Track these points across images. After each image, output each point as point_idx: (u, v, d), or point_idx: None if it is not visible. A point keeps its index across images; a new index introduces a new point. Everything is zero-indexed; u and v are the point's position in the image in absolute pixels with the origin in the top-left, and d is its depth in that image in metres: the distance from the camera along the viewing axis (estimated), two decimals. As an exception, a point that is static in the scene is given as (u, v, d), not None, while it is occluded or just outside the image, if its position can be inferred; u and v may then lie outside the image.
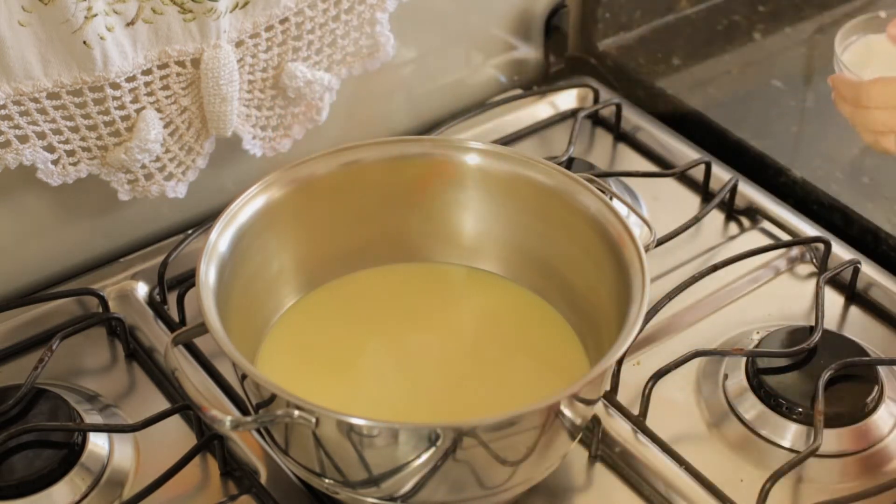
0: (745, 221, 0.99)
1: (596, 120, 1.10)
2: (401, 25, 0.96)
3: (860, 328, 0.90)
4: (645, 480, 0.79)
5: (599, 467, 0.80)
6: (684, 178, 1.02)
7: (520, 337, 0.83)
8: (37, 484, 0.76)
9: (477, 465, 0.68)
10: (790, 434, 0.80)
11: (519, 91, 1.13)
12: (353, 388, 0.79)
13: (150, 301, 0.91)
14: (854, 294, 0.92)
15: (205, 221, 0.93)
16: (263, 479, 0.77)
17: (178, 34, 0.81)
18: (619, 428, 0.81)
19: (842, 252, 0.94)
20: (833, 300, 0.92)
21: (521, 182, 0.82)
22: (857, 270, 0.92)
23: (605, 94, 1.11)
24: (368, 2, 0.91)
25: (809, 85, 1.13)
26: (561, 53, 1.16)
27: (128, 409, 0.83)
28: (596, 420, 0.80)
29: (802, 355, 0.84)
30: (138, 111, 0.83)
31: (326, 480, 0.71)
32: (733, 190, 0.99)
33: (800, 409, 0.80)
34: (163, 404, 0.83)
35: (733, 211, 1.00)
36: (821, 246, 0.93)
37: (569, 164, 0.99)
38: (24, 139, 0.81)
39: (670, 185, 1.02)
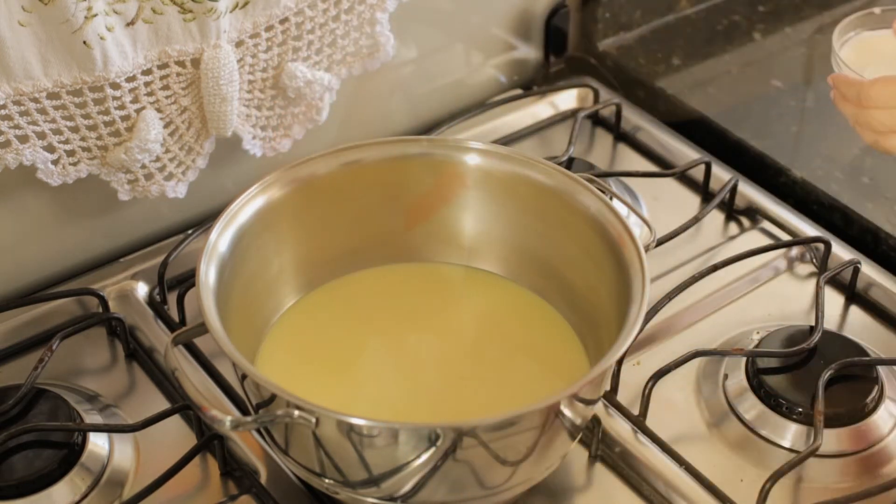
0: (745, 221, 0.99)
1: (596, 120, 1.10)
2: (401, 25, 0.96)
3: (860, 328, 0.90)
4: (645, 480, 0.79)
5: (599, 467, 0.80)
6: (684, 178, 1.02)
7: (520, 337, 0.83)
8: (37, 484, 0.76)
9: (477, 465, 0.68)
10: (790, 434, 0.80)
11: (519, 91, 1.13)
12: (353, 388, 0.79)
13: (150, 301, 0.91)
14: (854, 294, 0.92)
15: (205, 221, 0.93)
16: (263, 479, 0.77)
17: (178, 34, 0.81)
18: (619, 428, 0.81)
19: (842, 252, 0.94)
20: (833, 300, 0.92)
21: (521, 182, 0.82)
22: (857, 270, 0.92)
23: (605, 94, 1.11)
24: (368, 2, 0.91)
25: (809, 85, 1.13)
26: (561, 53, 1.16)
27: (128, 409, 0.83)
28: (596, 420, 0.80)
29: (802, 355, 0.84)
30: (138, 111, 0.83)
31: (326, 480, 0.71)
32: (733, 190, 0.99)
33: (800, 409, 0.80)
34: (163, 404, 0.83)
35: (733, 211, 1.00)
36: (821, 246, 0.93)
37: (569, 164, 0.99)
38: (24, 139, 0.81)
39: (670, 185, 1.02)
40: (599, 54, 1.16)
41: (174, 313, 0.89)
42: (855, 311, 0.91)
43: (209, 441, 0.78)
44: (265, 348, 0.80)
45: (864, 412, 0.81)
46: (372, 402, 0.78)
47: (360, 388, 0.79)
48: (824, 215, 0.99)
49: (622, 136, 1.08)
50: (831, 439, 0.79)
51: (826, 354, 0.83)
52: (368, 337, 0.82)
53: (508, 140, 1.07)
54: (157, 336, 0.88)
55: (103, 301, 0.88)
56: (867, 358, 0.84)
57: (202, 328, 0.71)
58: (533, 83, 1.16)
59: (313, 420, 0.65)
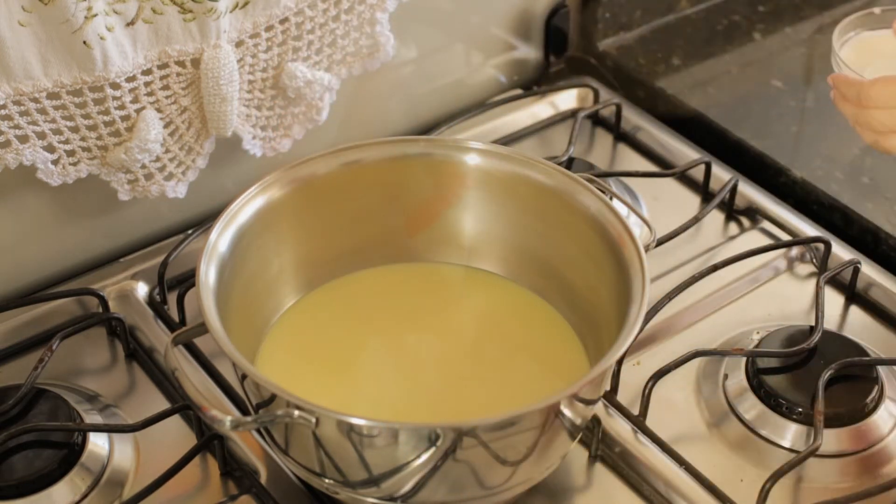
0: (745, 221, 0.99)
1: (596, 120, 1.10)
2: (401, 25, 0.96)
3: (860, 328, 0.90)
4: (645, 480, 0.79)
5: (599, 467, 0.80)
6: (684, 178, 1.02)
7: (520, 337, 0.83)
8: (37, 484, 0.76)
9: (477, 465, 0.68)
10: (790, 434, 0.80)
11: (519, 91, 1.13)
12: (353, 388, 0.79)
13: (150, 301, 0.91)
14: (854, 294, 0.92)
15: (205, 221, 0.93)
16: (263, 479, 0.77)
17: (178, 34, 0.81)
18: (619, 428, 0.81)
19: (842, 252, 0.94)
20: (833, 300, 0.92)
21: (521, 182, 0.82)
22: (857, 270, 0.92)
23: (605, 94, 1.11)
24: (368, 2, 0.91)
25: (809, 85, 1.13)
26: (561, 53, 1.16)
27: (128, 409, 0.83)
28: (596, 420, 0.80)
29: (802, 355, 0.84)
30: (138, 111, 0.83)
31: (326, 480, 0.71)
32: (733, 190, 0.99)
33: (800, 409, 0.80)
34: (163, 404, 0.83)
35: (733, 211, 1.00)
36: (821, 246, 0.93)
37: (569, 164, 0.99)
38: (24, 139, 0.81)
39: (670, 185, 1.02)
40: (599, 54, 1.16)
41: (174, 313, 0.89)
42: (855, 311, 0.91)
43: (209, 441, 0.78)
44: (265, 348, 0.80)
45: (864, 412, 0.81)
46: (372, 402, 0.78)
47: (360, 388, 0.79)
48: (824, 215, 0.99)
49: (622, 136, 1.08)
50: (831, 439, 0.79)
51: (826, 354, 0.83)
52: (368, 337, 0.82)
53: (508, 140, 1.07)
54: (157, 336, 0.88)
55: (103, 301, 0.88)
56: (867, 358, 0.84)
57: (202, 328, 0.71)
58: (533, 83, 1.16)
59: (313, 420, 0.65)
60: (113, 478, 0.78)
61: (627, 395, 0.83)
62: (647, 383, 0.81)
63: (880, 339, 0.89)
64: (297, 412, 0.65)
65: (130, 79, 0.81)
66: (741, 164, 1.04)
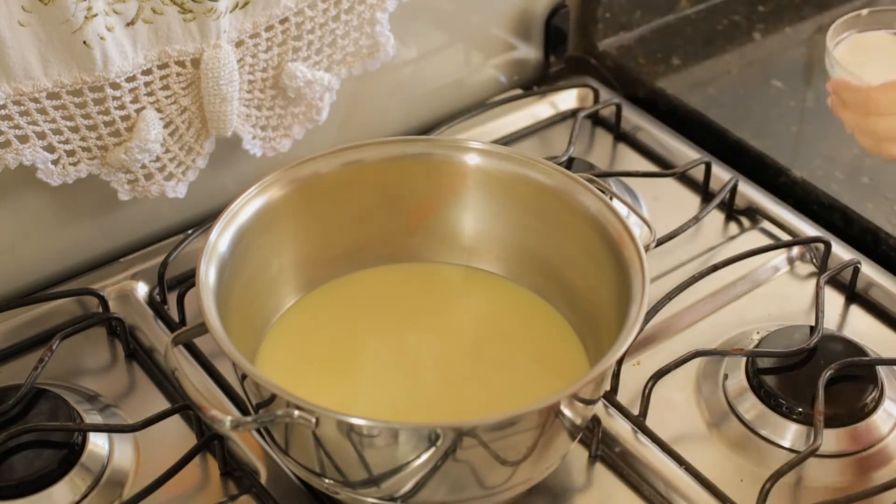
0: (745, 221, 0.99)
1: (596, 120, 1.10)
2: (401, 25, 0.96)
3: (860, 328, 0.90)
4: (645, 480, 0.79)
5: (599, 467, 0.80)
6: (684, 178, 1.02)
7: (520, 337, 0.83)
8: (37, 484, 0.76)
9: (477, 465, 0.68)
10: (790, 434, 0.80)
11: (519, 91, 1.13)
12: (353, 388, 0.79)
13: (150, 301, 0.91)
14: (854, 294, 0.92)
15: (205, 221, 0.93)
16: (263, 479, 0.77)
17: (178, 34, 0.81)
18: (619, 428, 0.81)
19: (842, 252, 0.94)
20: (833, 300, 0.92)
21: (521, 182, 0.82)
22: (857, 270, 0.92)
23: (605, 94, 1.11)
24: (368, 2, 0.91)
25: (809, 85, 1.13)
26: (561, 53, 1.16)
27: (128, 409, 0.83)
28: (596, 420, 0.80)
29: (802, 355, 0.84)
30: (138, 111, 0.83)
31: (326, 480, 0.71)
32: (733, 190, 0.99)
33: (800, 409, 0.80)
34: (163, 404, 0.83)
35: (733, 211, 1.00)
36: (821, 246, 0.93)
37: (569, 164, 0.99)
38: (24, 139, 0.81)
39: (670, 185, 1.02)
40: (599, 54, 1.16)
41: (174, 313, 0.89)
42: (855, 311, 0.91)
43: (209, 441, 0.78)
44: (265, 348, 0.80)
45: (863, 412, 0.81)
46: (372, 402, 0.78)
47: (360, 388, 0.79)
48: (824, 215, 0.99)
49: (622, 136, 1.08)
50: (831, 439, 0.79)
51: (826, 354, 0.83)
52: (368, 337, 0.82)
53: (508, 140, 1.07)
54: (157, 336, 0.88)
55: (103, 301, 0.88)
56: (867, 358, 0.84)
57: (202, 328, 0.71)
58: (533, 83, 1.16)
59: (313, 420, 0.65)
60: (113, 478, 0.78)
61: (627, 395, 0.83)
62: (647, 383, 0.81)
63: (880, 339, 0.89)
64: (297, 412, 0.65)
65: (130, 79, 0.81)
66: (741, 164, 1.04)
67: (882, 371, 0.83)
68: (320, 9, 0.88)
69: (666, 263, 0.94)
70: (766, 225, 0.98)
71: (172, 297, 0.89)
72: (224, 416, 0.67)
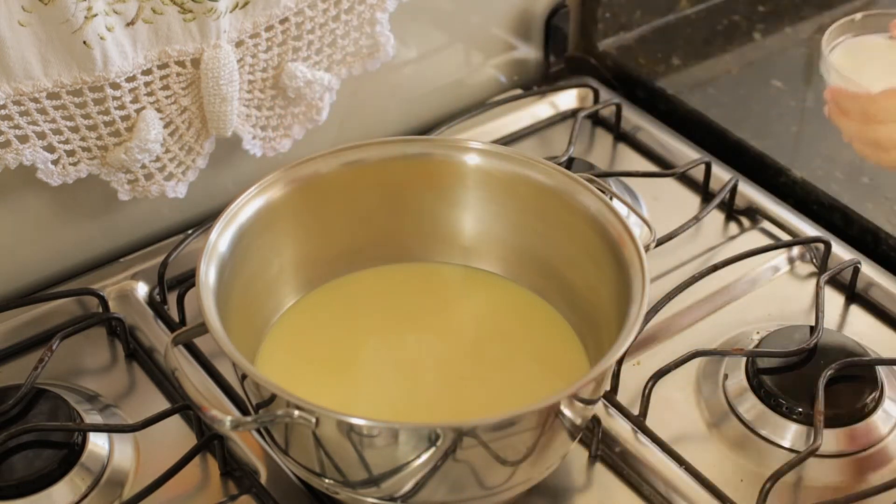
0: (745, 221, 0.99)
1: (596, 120, 1.10)
2: (401, 25, 0.96)
3: (860, 328, 0.90)
4: (645, 480, 0.79)
5: (599, 467, 0.80)
6: (684, 178, 1.02)
7: (520, 337, 0.83)
8: (37, 484, 0.76)
9: (477, 465, 0.68)
10: (790, 434, 0.80)
11: (519, 91, 1.13)
12: (353, 388, 0.79)
13: (150, 301, 0.91)
14: (854, 294, 0.92)
15: (205, 221, 0.93)
16: (263, 479, 0.77)
17: (178, 34, 0.81)
18: (619, 428, 0.81)
19: (842, 252, 0.94)
20: (833, 300, 0.92)
21: (521, 182, 0.82)
22: (857, 270, 0.92)
23: (605, 94, 1.11)
24: (368, 2, 0.91)
25: (809, 85, 1.13)
26: (561, 53, 1.16)
27: (128, 409, 0.83)
28: (596, 420, 0.80)
29: (802, 355, 0.84)
30: (138, 111, 0.83)
31: (326, 480, 0.71)
32: (733, 190, 0.99)
33: (800, 409, 0.80)
34: (163, 404, 0.83)
35: (733, 211, 1.00)
36: (821, 246, 0.93)
37: (569, 164, 0.99)
38: (24, 139, 0.81)
39: (670, 185, 1.02)
40: (599, 54, 1.16)
41: (174, 313, 0.89)
42: (855, 311, 0.91)
43: (209, 441, 0.78)
44: (265, 348, 0.80)
45: (863, 412, 0.81)
46: (372, 402, 0.78)
47: (360, 388, 0.79)
48: (824, 215, 0.99)
49: (622, 136, 1.08)
50: (831, 439, 0.79)
51: (826, 354, 0.83)
52: (368, 337, 0.82)
53: (508, 140, 1.07)
54: (157, 336, 0.88)
55: (103, 301, 0.88)
56: (867, 358, 0.84)
57: (202, 328, 0.71)
58: (533, 83, 1.15)
59: (313, 420, 0.65)
60: (113, 478, 0.78)
61: (627, 395, 0.83)
62: (647, 383, 0.81)
63: (880, 339, 0.89)
64: (297, 412, 0.65)
65: (130, 79, 0.81)
66: (741, 164, 1.04)
67: (882, 371, 0.83)
68: (320, 9, 0.88)
69: (666, 263, 0.94)
70: (766, 225, 0.98)
71: (172, 297, 0.89)
72: (224, 416, 0.67)
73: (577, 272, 0.81)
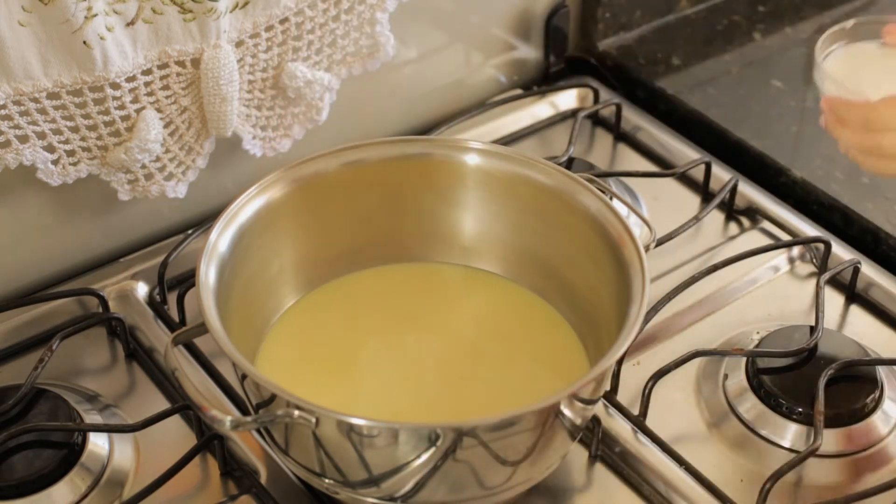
0: (745, 221, 0.99)
1: (596, 120, 1.10)
2: (401, 25, 0.96)
3: (860, 328, 0.90)
4: (645, 480, 0.79)
5: (599, 467, 0.80)
6: (684, 178, 1.02)
7: (520, 337, 0.83)
8: (37, 484, 0.76)
9: (477, 465, 0.68)
10: (790, 434, 0.80)
11: (519, 91, 1.13)
12: (353, 388, 0.79)
13: (150, 301, 0.91)
14: (854, 294, 0.92)
15: (205, 221, 0.93)
16: (263, 479, 0.77)
17: (178, 34, 0.81)
18: (619, 428, 0.81)
19: (842, 252, 0.94)
20: (833, 300, 0.92)
21: (521, 182, 0.82)
22: (857, 270, 0.92)
23: (605, 94, 1.11)
24: (368, 2, 0.91)
25: (809, 85, 1.13)
26: (561, 53, 1.16)
27: (128, 409, 0.83)
28: (596, 420, 0.80)
29: (802, 355, 0.84)
30: (138, 111, 0.83)
31: (326, 480, 0.71)
32: (733, 190, 0.99)
33: (800, 409, 0.80)
34: (163, 404, 0.83)
35: (733, 211, 1.00)
36: (821, 246, 0.93)
37: (569, 164, 0.99)
38: (24, 139, 0.81)
39: (670, 185, 1.02)
40: (599, 54, 1.16)
41: (174, 313, 0.89)
42: (855, 311, 0.91)
43: (209, 441, 0.78)
44: (265, 348, 0.80)
45: (863, 412, 0.81)
46: (372, 402, 0.78)
47: (360, 388, 0.79)
48: (824, 215, 0.99)
49: (622, 136, 1.08)
50: (831, 439, 0.79)
51: (826, 354, 0.83)
52: (368, 337, 0.82)
53: (508, 140, 1.07)
54: (157, 336, 0.88)
55: (103, 301, 0.88)
56: (867, 358, 0.84)
57: (202, 328, 0.71)
58: (533, 83, 1.15)
59: (313, 420, 0.65)
60: (113, 478, 0.78)
61: (627, 395, 0.83)
62: (647, 383, 0.81)
63: (880, 339, 0.89)
64: (297, 412, 0.65)
65: (130, 79, 0.81)
66: (741, 164, 1.04)
67: (882, 371, 0.83)
68: (320, 9, 0.88)
69: (666, 263, 0.94)
70: (766, 225, 0.98)
71: (172, 297, 0.89)
72: (224, 416, 0.67)
73: (577, 272, 0.81)
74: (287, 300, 0.83)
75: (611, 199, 0.80)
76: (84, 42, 0.77)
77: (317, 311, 0.83)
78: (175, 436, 0.81)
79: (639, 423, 0.81)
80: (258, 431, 0.79)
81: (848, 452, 0.80)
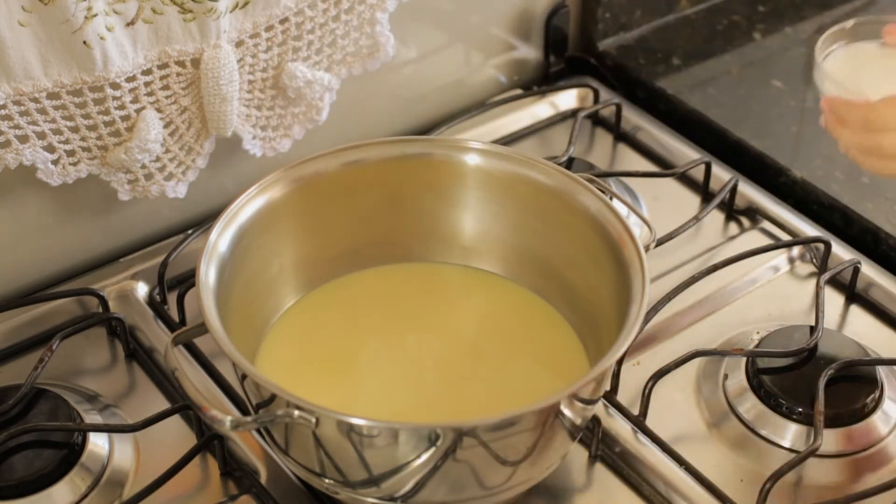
0: (745, 221, 0.99)
1: (596, 120, 1.10)
2: (401, 25, 0.96)
3: (860, 328, 0.90)
4: (645, 480, 0.79)
5: (599, 467, 0.80)
6: (684, 178, 1.02)
7: (520, 337, 0.83)
8: (37, 484, 0.76)
9: (477, 465, 0.68)
10: (790, 434, 0.80)
11: (519, 91, 1.13)
12: (353, 388, 0.79)
13: (150, 301, 0.91)
14: (854, 294, 0.92)
15: (205, 221, 0.93)
16: (263, 479, 0.77)
17: (178, 34, 0.81)
18: (619, 428, 0.81)
19: (842, 252, 0.94)
20: (833, 300, 0.92)
21: (521, 182, 0.82)
22: (857, 270, 0.92)
23: (605, 94, 1.11)
24: (368, 2, 0.91)
25: (809, 85, 1.13)
26: (561, 53, 1.16)
27: (128, 409, 0.83)
28: (596, 420, 0.80)
29: (802, 355, 0.84)
30: (138, 111, 0.83)
31: (326, 480, 0.71)
32: (733, 190, 0.99)
33: (800, 409, 0.80)
34: (163, 404, 0.83)
35: (733, 211, 1.00)
36: (821, 246, 0.93)
37: (569, 164, 0.99)
38: (24, 139, 0.81)
39: (670, 185, 1.02)
40: (599, 54, 1.16)
41: (174, 313, 0.89)
42: (855, 311, 0.91)
43: (209, 441, 0.78)
44: (265, 348, 0.80)
45: (863, 412, 0.81)
46: (372, 402, 0.78)
47: (361, 388, 0.79)
48: (824, 215, 0.99)
49: (622, 136, 1.08)
50: (831, 439, 0.79)
51: (826, 354, 0.83)
52: (368, 337, 0.82)
53: (508, 140, 1.07)
54: (157, 336, 0.88)
55: (103, 301, 0.88)
56: (867, 358, 0.84)
57: (202, 328, 0.71)
58: (533, 83, 1.15)
59: (313, 420, 0.65)
60: (113, 478, 0.78)
61: (627, 395, 0.83)
62: (647, 383, 0.81)
63: (880, 339, 0.89)
64: (297, 412, 0.65)
65: (130, 79, 0.81)
66: (741, 164, 1.04)
67: (882, 371, 0.83)
68: (320, 9, 0.88)
69: (666, 263, 0.94)
70: (766, 225, 0.98)
71: (172, 297, 0.89)
72: (224, 416, 0.67)
73: (577, 272, 0.81)
74: (287, 300, 0.83)
75: (611, 199, 0.80)
76: (84, 42, 0.77)
77: (317, 311, 0.83)
78: (175, 436, 0.81)
79: (639, 423, 0.81)
80: (258, 431, 0.79)
81: (848, 452, 0.80)
